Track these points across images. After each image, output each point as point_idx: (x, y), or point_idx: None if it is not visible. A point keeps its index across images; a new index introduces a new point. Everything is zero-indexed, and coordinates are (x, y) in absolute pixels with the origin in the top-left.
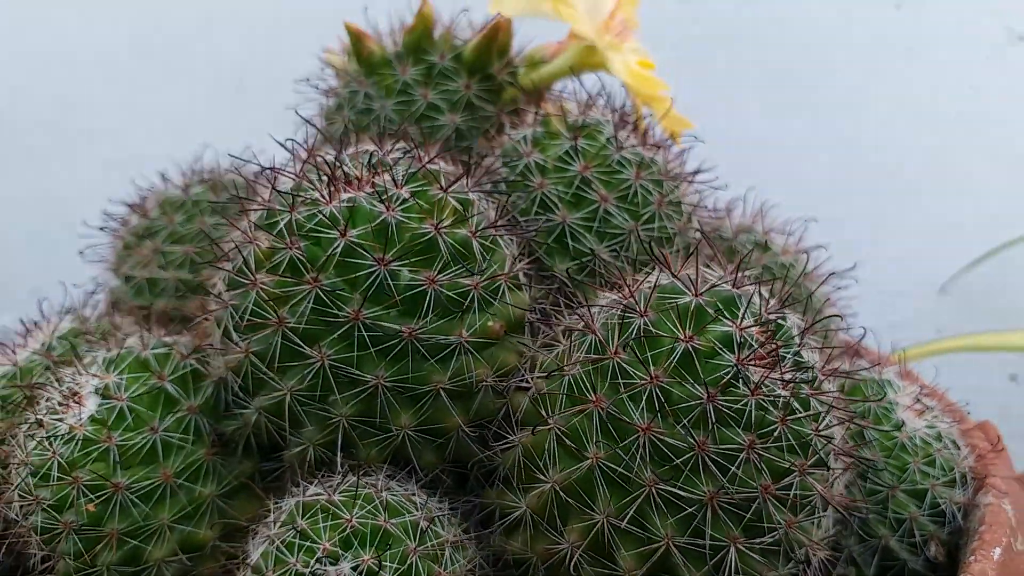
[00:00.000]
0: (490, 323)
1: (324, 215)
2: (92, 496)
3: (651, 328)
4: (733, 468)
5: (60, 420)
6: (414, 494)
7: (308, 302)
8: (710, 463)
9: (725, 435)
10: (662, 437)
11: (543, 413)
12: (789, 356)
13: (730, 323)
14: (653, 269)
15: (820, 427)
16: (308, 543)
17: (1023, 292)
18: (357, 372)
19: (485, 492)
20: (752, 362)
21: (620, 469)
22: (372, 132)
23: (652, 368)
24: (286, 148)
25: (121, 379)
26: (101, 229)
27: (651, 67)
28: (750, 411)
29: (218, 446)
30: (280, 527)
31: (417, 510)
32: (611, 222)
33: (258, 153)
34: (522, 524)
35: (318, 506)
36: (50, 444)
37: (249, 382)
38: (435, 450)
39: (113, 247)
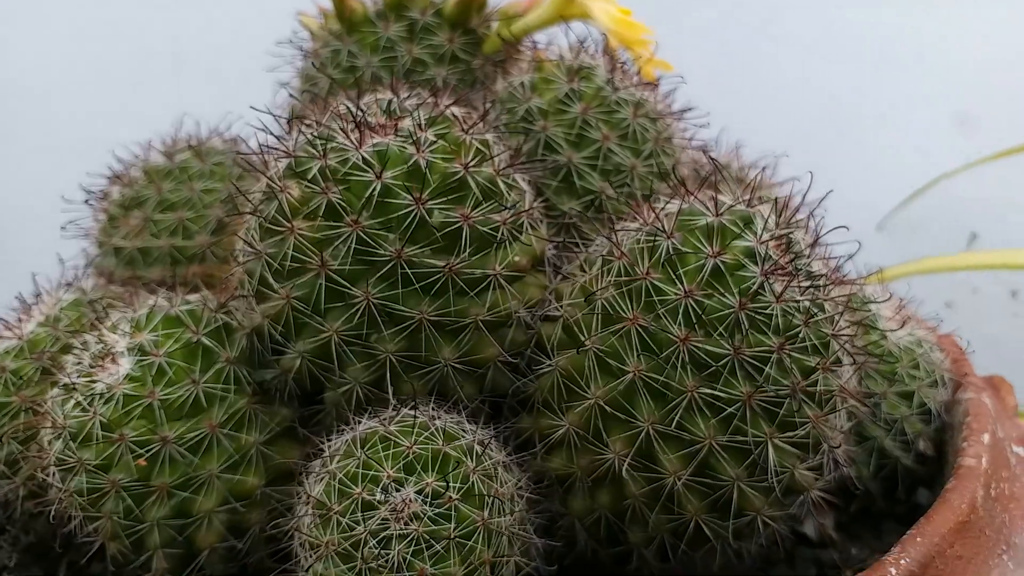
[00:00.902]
0: (516, 257)
1: (357, 160)
2: (141, 451)
3: (679, 247)
4: (767, 369)
5: (95, 381)
6: (463, 421)
7: (350, 244)
8: (746, 365)
9: (757, 339)
10: (700, 346)
11: (580, 336)
12: (802, 267)
13: (751, 238)
14: (660, 200)
15: (835, 328)
16: (372, 472)
17: (954, 227)
18: (402, 308)
19: (521, 419)
20: (774, 272)
21: (662, 378)
22: (361, 88)
23: (685, 284)
24: (272, 115)
25: (155, 336)
26: (86, 202)
27: (629, 13)
28: (777, 317)
29: (258, 395)
30: (340, 461)
31: (469, 435)
32: (613, 160)
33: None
34: (564, 442)
35: (376, 437)
36: (89, 405)
37: (290, 328)
38: (474, 381)
39: (96, 220)
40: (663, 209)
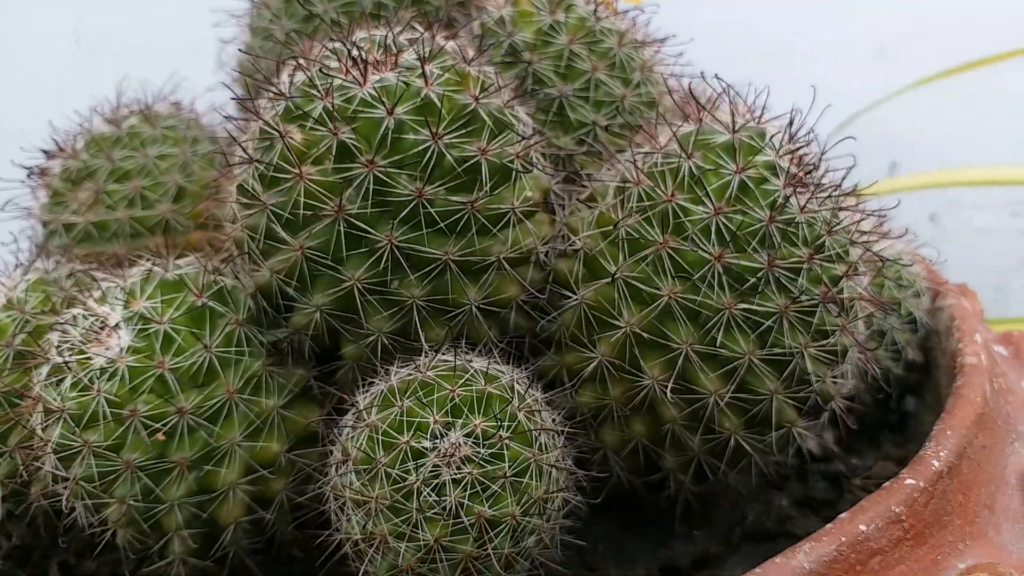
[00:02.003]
0: (529, 192)
1: (364, 96)
2: (157, 426)
3: (701, 166)
4: (799, 280)
5: (91, 358)
6: (496, 362)
7: (367, 186)
8: (781, 278)
9: (789, 251)
10: (734, 262)
11: (606, 267)
12: (816, 179)
13: (771, 153)
14: (666, 124)
15: (852, 237)
16: (417, 419)
17: (876, 158)
18: (427, 250)
19: (545, 358)
20: (795, 185)
21: (698, 299)
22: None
23: (713, 202)
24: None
25: (154, 303)
26: (29, 175)
27: None
28: (803, 228)
29: (272, 356)
30: (380, 413)
31: (506, 374)
32: (603, 90)
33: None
34: (596, 375)
35: (416, 384)
36: (91, 383)
37: (305, 281)
38: (497, 323)
39: (36, 197)
40: (679, 130)
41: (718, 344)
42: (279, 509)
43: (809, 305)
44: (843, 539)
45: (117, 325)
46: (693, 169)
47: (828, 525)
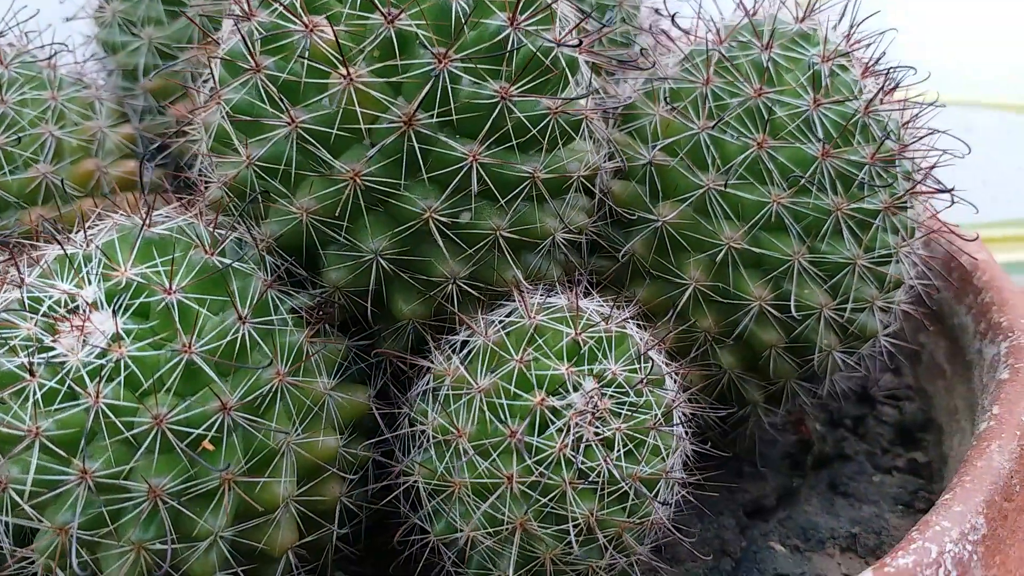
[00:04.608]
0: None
1: None
2: (194, 431)
3: (785, 55)
4: (860, 175)
5: (63, 355)
6: (596, 300)
7: (441, 86)
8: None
9: (849, 151)
10: (839, 158)
11: (692, 179)
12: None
13: (832, 44)
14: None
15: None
16: (548, 372)
17: None
18: (516, 168)
19: (633, 283)
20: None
21: (811, 201)
22: None
23: (811, 94)
24: None
25: (150, 268)
26: None
27: None
28: (862, 125)
29: (309, 325)
30: (492, 373)
31: (609, 313)
32: None
33: None
34: (688, 306)
35: (530, 332)
36: (77, 389)
37: (360, 220)
38: (576, 254)
39: None
40: (736, 22)
41: (824, 252)
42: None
43: (865, 212)
44: None
45: (95, 303)
46: (779, 60)
47: None
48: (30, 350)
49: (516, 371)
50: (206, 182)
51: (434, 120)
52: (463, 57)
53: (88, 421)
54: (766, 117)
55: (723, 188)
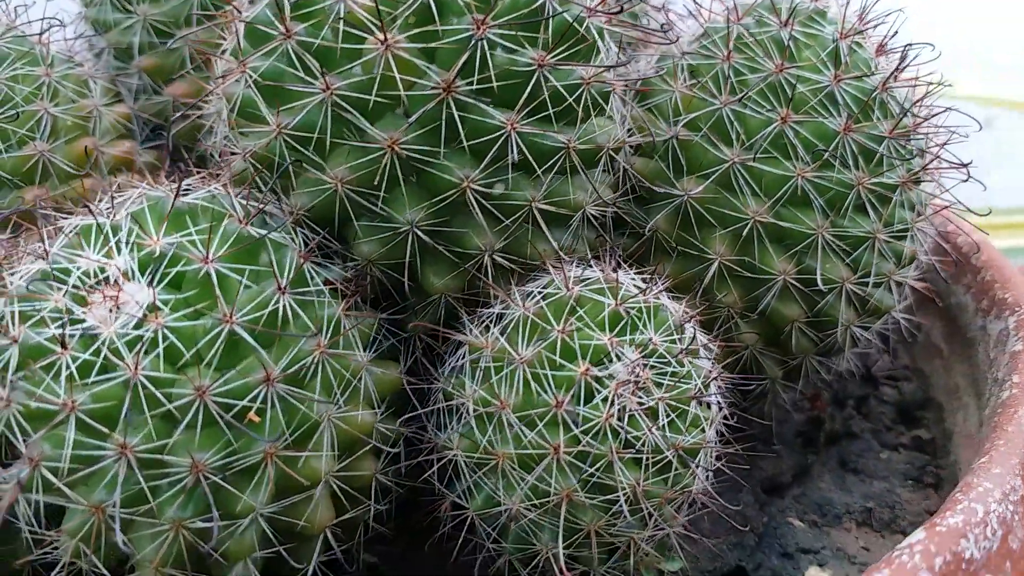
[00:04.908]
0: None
1: None
2: (245, 403)
3: (804, 31)
4: (880, 150)
5: (96, 327)
6: (628, 272)
7: (479, 53)
8: (856, 152)
9: (869, 126)
10: (860, 132)
11: (716, 154)
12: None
13: (837, 22)
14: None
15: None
16: (592, 342)
17: None
18: (552, 137)
19: (657, 259)
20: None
21: (834, 175)
22: None
23: (832, 69)
24: None
25: (185, 237)
26: None
27: None
28: (880, 101)
29: (345, 298)
30: (534, 344)
31: (644, 284)
32: None
33: None
34: (713, 282)
35: (571, 303)
36: (113, 361)
37: (396, 190)
38: (600, 230)
39: None
40: (756, 2)
41: (846, 226)
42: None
43: (885, 186)
44: None
45: (127, 273)
46: (798, 36)
47: None
48: (60, 322)
49: (559, 341)
50: (230, 153)
51: (473, 88)
52: (500, 24)
53: (127, 394)
54: (788, 92)
55: (749, 162)
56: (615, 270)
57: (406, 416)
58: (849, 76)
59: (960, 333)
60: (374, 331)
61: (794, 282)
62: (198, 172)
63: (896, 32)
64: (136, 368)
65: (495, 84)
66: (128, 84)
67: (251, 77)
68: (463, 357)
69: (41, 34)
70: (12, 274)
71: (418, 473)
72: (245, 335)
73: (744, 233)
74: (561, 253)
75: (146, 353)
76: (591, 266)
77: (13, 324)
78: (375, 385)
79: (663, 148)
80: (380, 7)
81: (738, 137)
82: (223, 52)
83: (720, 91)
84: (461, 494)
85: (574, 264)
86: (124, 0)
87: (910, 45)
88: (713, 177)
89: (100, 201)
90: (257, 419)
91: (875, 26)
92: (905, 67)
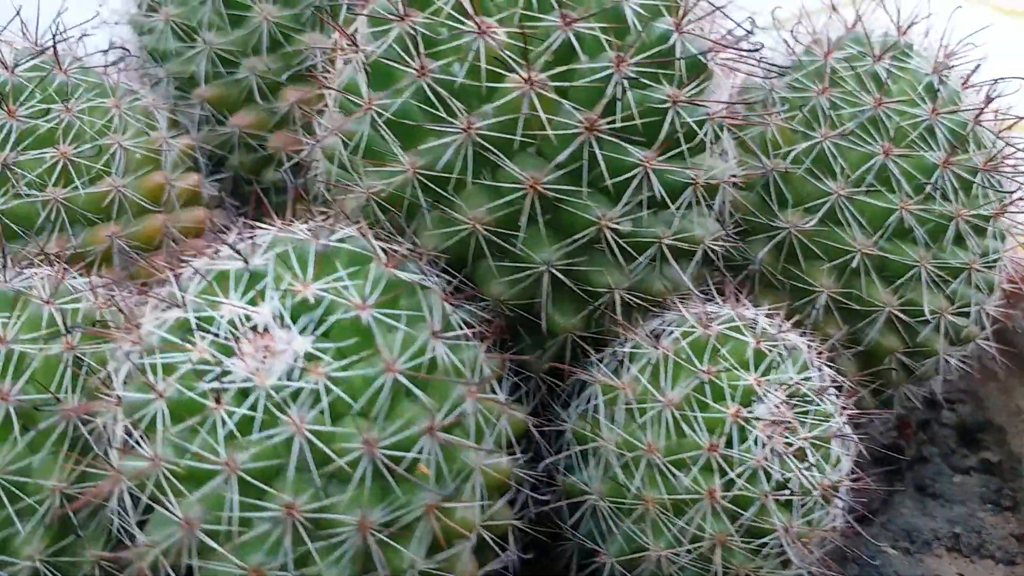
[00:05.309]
0: None
1: None
2: (412, 454)
3: (893, 73)
4: (976, 181)
5: (249, 384)
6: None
7: (619, 91)
8: (956, 184)
9: (965, 159)
10: (957, 164)
11: (819, 186)
12: None
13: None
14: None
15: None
16: (740, 383)
17: None
18: (682, 172)
19: (763, 292)
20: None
21: (936, 207)
22: None
23: (929, 103)
24: None
25: (338, 283)
26: None
27: None
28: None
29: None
30: (680, 389)
31: (776, 321)
32: None
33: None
34: (819, 316)
35: (711, 343)
36: (272, 415)
37: (537, 229)
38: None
39: None
40: (841, 35)
41: (946, 257)
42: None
43: (979, 218)
44: None
45: (276, 321)
46: (893, 70)
47: None
48: (210, 375)
49: (708, 383)
50: (347, 193)
51: (616, 126)
52: (638, 62)
53: (292, 451)
54: (888, 126)
55: (852, 195)
56: (738, 306)
57: (528, 458)
58: (946, 110)
59: (1020, 356)
60: (502, 371)
61: (898, 314)
62: (320, 212)
63: (979, 65)
64: (300, 422)
65: (638, 122)
66: (190, 114)
67: (379, 115)
68: (595, 398)
69: (107, 66)
70: (142, 323)
71: (544, 518)
72: (408, 383)
73: (851, 266)
74: (692, 288)
75: (311, 406)
76: (715, 302)
77: (157, 377)
78: (512, 427)
79: (762, 181)
80: (519, 43)
81: (842, 171)
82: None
83: (819, 124)
84: (596, 539)
85: (694, 301)
86: (188, 29)
87: (998, 80)
88: (819, 209)
89: (229, 243)
90: (427, 471)
91: (958, 58)
92: (994, 99)
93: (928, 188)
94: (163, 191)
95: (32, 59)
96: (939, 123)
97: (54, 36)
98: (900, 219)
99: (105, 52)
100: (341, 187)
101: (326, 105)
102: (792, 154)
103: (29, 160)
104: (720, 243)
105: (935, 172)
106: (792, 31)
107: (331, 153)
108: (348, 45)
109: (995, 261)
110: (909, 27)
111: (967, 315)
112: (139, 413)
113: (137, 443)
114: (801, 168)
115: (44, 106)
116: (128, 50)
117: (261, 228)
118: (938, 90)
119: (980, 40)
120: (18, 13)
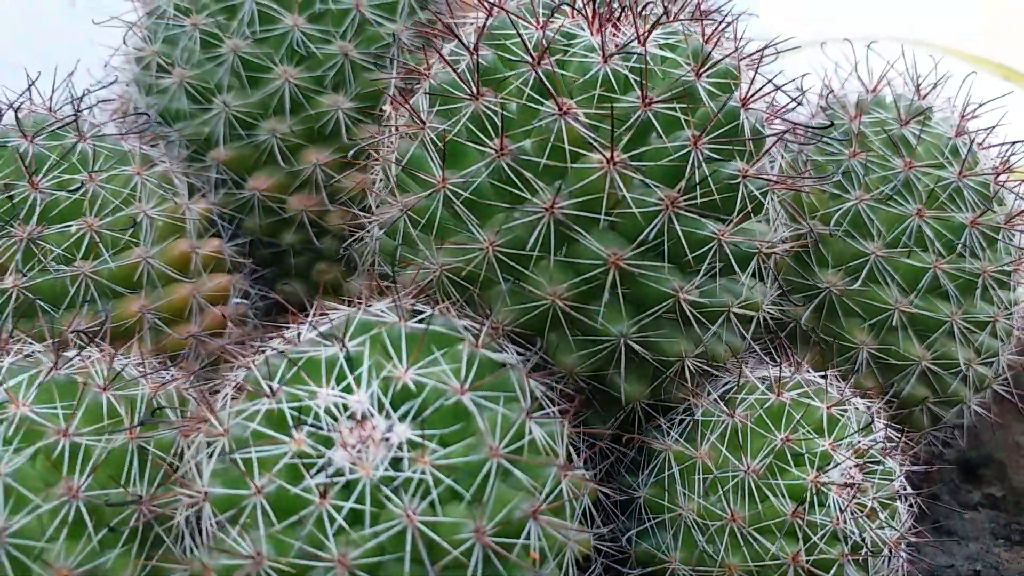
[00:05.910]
0: None
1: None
2: (521, 541)
3: (925, 130)
4: (999, 238)
5: (354, 476)
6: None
7: (698, 171)
8: (982, 242)
9: (988, 217)
10: (983, 224)
11: (856, 247)
12: None
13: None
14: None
15: None
16: (818, 449)
17: None
18: (751, 244)
19: (804, 349)
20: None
21: (966, 266)
22: None
23: (955, 166)
24: None
25: (435, 367)
26: None
27: None
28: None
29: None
30: (761, 457)
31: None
32: None
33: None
34: (859, 370)
35: (785, 409)
36: (382, 508)
37: (616, 303)
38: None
39: None
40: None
41: (974, 312)
42: None
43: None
44: None
45: (376, 409)
46: (919, 134)
47: None
48: (316, 469)
49: (787, 450)
50: (419, 269)
51: (696, 202)
52: (711, 139)
53: (406, 543)
54: (919, 188)
55: (889, 256)
56: (798, 369)
57: (632, 531)
58: (970, 172)
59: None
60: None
61: (931, 367)
62: (375, 287)
63: (995, 126)
64: (413, 514)
65: (717, 197)
66: (205, 177)
67: (455, 195)
68: (670, 467)
69: (126, 133)
70: (220, 413)
71: None
72: (511, 467)
73: (889, 323)
74: (753, 350)
75: (422, 496)
76: (766, 363)
77: (253, 473)
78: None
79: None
80: (595, 123)
81: (878, 232)
82: (395, 162)
83: (853, 187)
84: None
85: (751, 365)
86: (204, 90)
87: (1016, 143)
88: (857, 269)
89: (313, 324)
90: (538, 557)
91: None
92: (1010, 159)
93: (959, 248)
94: (189, 259)
95: (48, 127)
96: (965, 184)
97: (73, 103)
98: (934, 276)
99: (123, 118)
100: (405, 262)
101: (369, 174)
102: (833, 217)
103: (54, 234)
104: (774, 306)
105: (963, 231)
106: (822, 96)
107: (394, 229)
108: (412, 121)
109: (1012, 312)
110: (930, 91)
111: (991, 364)
112: (233, 509)
113: (235, 540)
114: (840, 230)
115: (67, 176)
116: (149, 115)
117: (334, 308)
118: (963, 153)
119: (994, 103)
120: (33, 83)
